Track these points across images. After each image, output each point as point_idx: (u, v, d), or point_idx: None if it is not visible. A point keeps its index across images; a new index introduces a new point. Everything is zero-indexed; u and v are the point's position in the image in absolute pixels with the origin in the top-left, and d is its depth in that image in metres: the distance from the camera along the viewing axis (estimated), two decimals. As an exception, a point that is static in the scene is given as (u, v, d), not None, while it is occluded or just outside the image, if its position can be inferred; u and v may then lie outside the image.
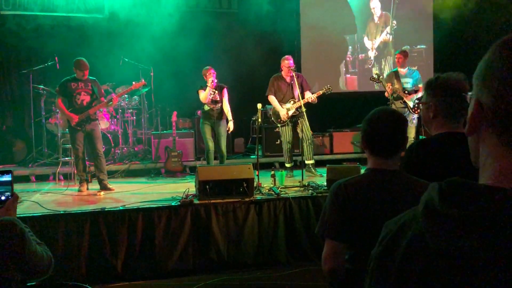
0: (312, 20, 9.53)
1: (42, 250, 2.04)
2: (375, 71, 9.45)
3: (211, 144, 6.71)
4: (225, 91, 6.78)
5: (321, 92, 6.73)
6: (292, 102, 6.68)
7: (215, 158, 6.92)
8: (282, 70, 6.76)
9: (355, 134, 8.41)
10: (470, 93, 2.93)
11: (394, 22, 9.93)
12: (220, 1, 9.53)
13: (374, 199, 1.88)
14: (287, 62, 6.67)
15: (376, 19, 9.95)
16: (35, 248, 1.99)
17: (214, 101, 6.68)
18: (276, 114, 6.84)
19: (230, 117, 6.74)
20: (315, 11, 9.52)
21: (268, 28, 8.45)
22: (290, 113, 6.69)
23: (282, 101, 6.76)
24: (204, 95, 6.60)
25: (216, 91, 6.69)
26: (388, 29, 9.94)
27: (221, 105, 6.72)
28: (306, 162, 6.83)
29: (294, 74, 6.65)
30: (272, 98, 6.82)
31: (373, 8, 9.92)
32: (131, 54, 8.30)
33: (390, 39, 9.98)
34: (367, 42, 9.93)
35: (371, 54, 9.96)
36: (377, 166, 1.96)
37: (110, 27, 8.18)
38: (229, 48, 8.68)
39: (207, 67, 6.74)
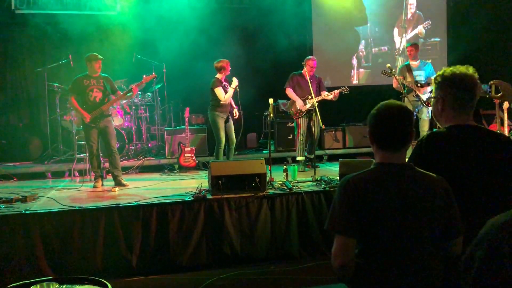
0: (324, 14, 9.48)
1: None
2: (393, 63, 9.51)
3: (224, 140, 6.72)
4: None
5: (338, 91, 6.96)
6: (309, 97, 6.81)
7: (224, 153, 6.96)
8: (304, 69, 6.90)
9: (368, 128, 8.36)
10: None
11: (429, 21, 9.93)
12: (231, -3, 9.52)
13: (382, 193, 1.86)
14: (312, 62, 6.92)
15: (409, 14, 9.98)
16: None
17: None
18: (293, 106, 6.94)
19: (233, 104, 6.86)
20: (327, 4, 9.47)
21: (280, 23, 8.42)
22: (307, 106, 6.85)
23: (299, 97, 6.94)
24: (227, 97, 6.60)
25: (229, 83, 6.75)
26: (420, 27, 9.98)
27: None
28: (308, 156, 7.12)
29: (314, 74, 7.01)
30: (290, 91, 7.01)
31: (410, 4, 9.96)
32: (144, 50, 8.35)
33: (424, 33, 10.01)
34: (396, 34, 9.98)
35: (399, 45, 9.99)
36: (385, 160, 1.96)
37: (122, 24, 8.24)
38: (241, 43, 8.67)
39: (225, 60, 6.72)
